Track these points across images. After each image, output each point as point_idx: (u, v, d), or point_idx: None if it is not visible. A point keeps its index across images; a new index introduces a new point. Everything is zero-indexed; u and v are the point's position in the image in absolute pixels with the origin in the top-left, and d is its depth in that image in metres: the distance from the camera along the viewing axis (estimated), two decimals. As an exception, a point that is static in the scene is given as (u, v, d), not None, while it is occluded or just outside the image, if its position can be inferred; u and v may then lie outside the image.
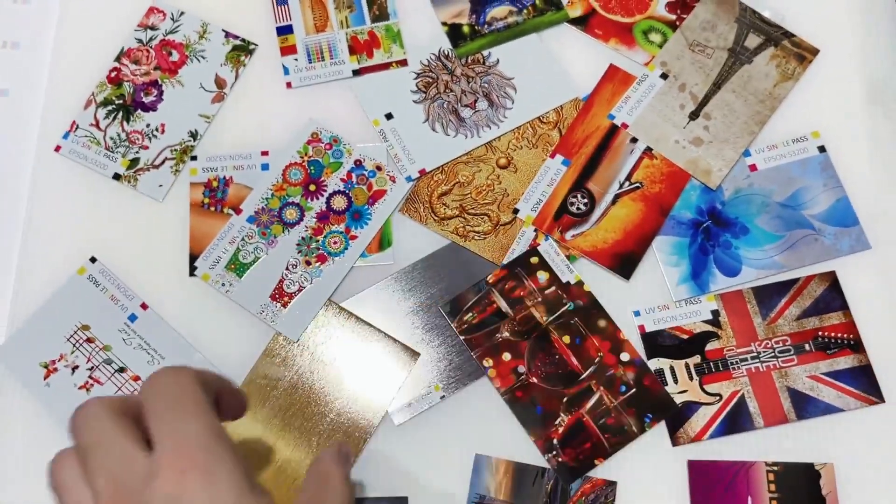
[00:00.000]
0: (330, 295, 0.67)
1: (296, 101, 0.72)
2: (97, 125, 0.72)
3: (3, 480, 0.64)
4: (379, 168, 0.69)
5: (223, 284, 0.67)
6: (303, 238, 0.68)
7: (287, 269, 0.67)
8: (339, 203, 0.68)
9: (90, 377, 0.66)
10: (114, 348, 0.66)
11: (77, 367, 0.66)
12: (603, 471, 0.63)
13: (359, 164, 0.69)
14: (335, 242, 0.67)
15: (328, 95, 0.72)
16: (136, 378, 0.66)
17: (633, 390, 0.64)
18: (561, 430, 0.63)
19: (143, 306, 0.67)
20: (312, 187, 0.69)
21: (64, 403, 0.65)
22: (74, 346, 0.66)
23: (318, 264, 0.67)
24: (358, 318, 0.65)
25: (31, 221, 0.70)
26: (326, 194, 0.69)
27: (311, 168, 0.69)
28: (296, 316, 0.66)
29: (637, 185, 0.69)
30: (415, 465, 0.64)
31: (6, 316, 0.67)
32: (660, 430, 0.64)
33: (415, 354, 0.64)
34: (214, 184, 0.70)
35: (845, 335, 0.65)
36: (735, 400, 0.64)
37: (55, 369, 0.66)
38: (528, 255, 0.67)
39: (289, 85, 0.72)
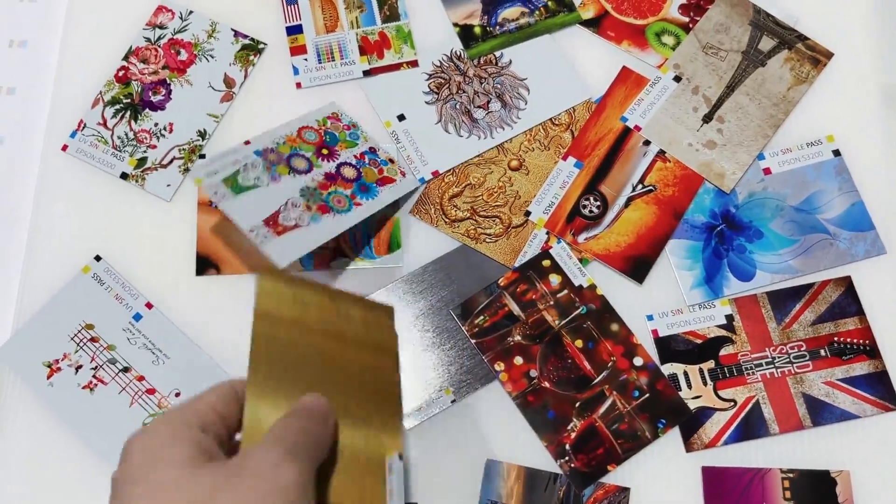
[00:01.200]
0: (324, 241, 0.63)
1: (306, 101, 0.71)
2: (105, 124, 0.71)
3: (5, 479, 0.62)
4: (391, 161, 0.68)
5: (216, 193, 0.62)
6: (307, 187, 0.65)
7: (286, 204, 0.63)
8: (349, 173, 0.67)
9: (94, 377, 0.65)
10: (118, 348, 0.65)
11: (81, 366, 0.65)
12: (616, 477, 0.62)
13: (373, 151, 0.68)
14: (339, 201, 0.65)
15: (338, 96, 0.71)
16: (141, 378, 0.64)
17: (647, 395, 0.63)
18: (573, 435, 0.62)
19: (149, 306, 0.66)
20: (325, 151, 0.67)
21: (67, 403, 0.64)
22: (78, 345, 0.65)
23: (318, 213, 0.64)
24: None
25: (38, 220, 0.69)
26: (338, 161, 0.67)
27: (327, 137, 0.68)
28: (287, 245, 0.62)
29: (650, 188, 0.68)
30: (425, 470, 0.62)
31: (11, 314, 0.66)
32: (673, 436, 0.63)
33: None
34: (223, 183, 0.69)
35: (861, 341, 0.64)
36: (750, 406, 0.63)
37: (58, 368, 0.65)
38: (540, 257, 0.66)
39: (298, 85, 0.72)
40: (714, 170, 0.68)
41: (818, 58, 0.72)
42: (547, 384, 0.63)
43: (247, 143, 0.65)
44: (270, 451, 0.38)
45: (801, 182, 0.68)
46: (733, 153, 0.69)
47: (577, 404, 0.63)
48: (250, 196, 0.63)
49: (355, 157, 0.67)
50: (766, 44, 0.72)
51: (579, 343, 0.64)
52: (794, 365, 0.64)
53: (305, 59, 0.72)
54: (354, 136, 0.68)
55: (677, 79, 0.71)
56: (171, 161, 0.70)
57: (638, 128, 0.70)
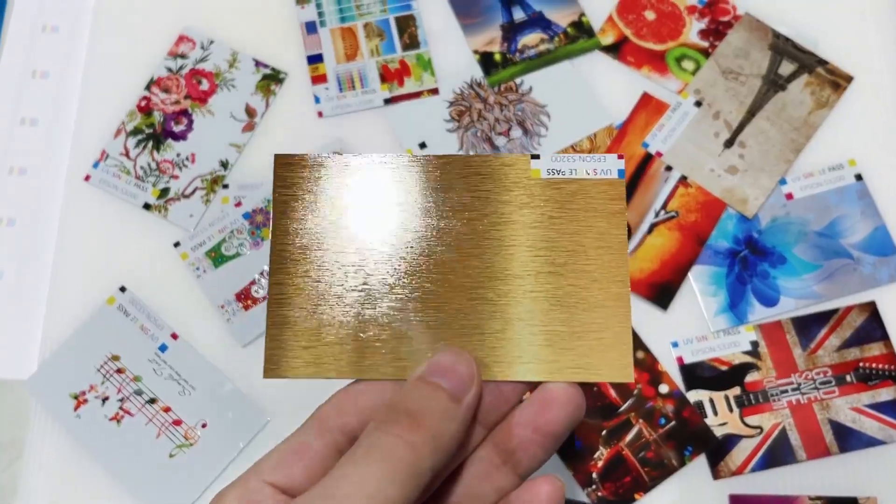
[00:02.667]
0: None
1: (327, 130, 0.72)
2: (127, 154, 0.71)
3: (33, 515, 0.63)
4: None
5: (197, 268, 0.67)
6: None
7: (261, 273, 0.67)
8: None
9: (121, 408, 0.65)
10: (144, 379, 0.65)
11: (108, 397, 0.65)
12: (643, 505, 0.62)
13: None
14: None
15: (360, 124, 0.72)
16: (168, 409, 0.65)
17: (673, 423, 0.63)
18: (600, 463, 0.62)
19: (174, 336, 0.66)
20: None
21: (94, 435, 0.64)
22: (105, 376, 0.65)
23: None
24: None
25: (61, 251, 0.69)
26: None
27: None
28: (250, 322, 0.66)
29: (673, 213, 0.68)
30: None
31: (37, 346, 0.67)
32: (700, 464, 0.63)
33: None
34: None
35: (887, 366, 0.64)
36: (776, 432, 0.63)
37: (85, 400, 0.65)
38: (563, 284, 0.66)
39: (320, 114, 0.72)
40: (736, 195, 0.68)
41: (838, 81, 0.72)
42: (573, 413, 0.63)
43: (238, 204, 0.68)
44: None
45: (823, 207, 0.69)
46: (755, 178, 0.69)
47: (604, 432, 0.63)
48: (230, 267, 0.67)
49: None
50: (786, 68, 0.72)
51: (605, 371, 0.64)
52: (821, 391, 0.64)
53: (326, 88, 0.72)
54: None
55: (698, 104, 0.71)
56: (193, 191, 0.70)
57: (659, 154, 0.70)
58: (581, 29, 0.74)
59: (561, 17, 0.74)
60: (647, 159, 0.70)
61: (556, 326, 0.37)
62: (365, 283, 0.37)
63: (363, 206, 0.38)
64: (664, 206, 0.69)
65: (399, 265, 0.37)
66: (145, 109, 0.72)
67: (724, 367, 0.65)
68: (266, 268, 0.67)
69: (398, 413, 0.31)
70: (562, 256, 0.38)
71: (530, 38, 0.74)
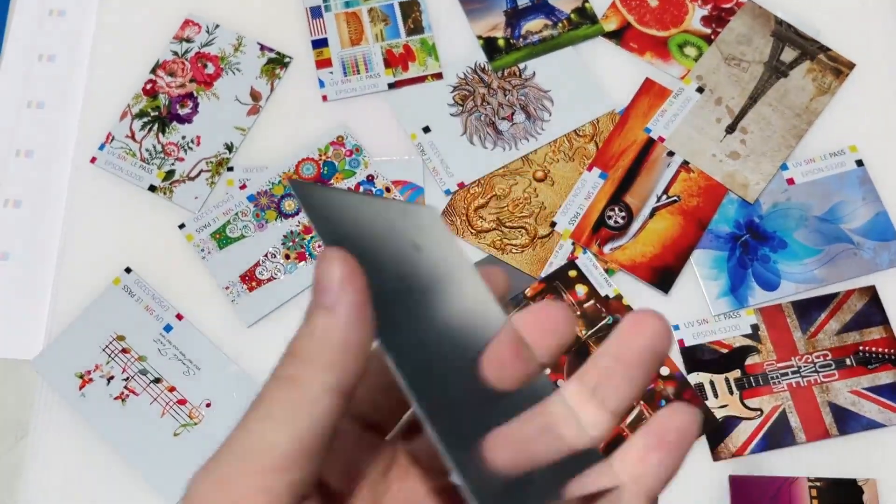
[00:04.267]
0: (295, 295, 0.67)
1: (332, 114, 0.72)
2: (133, 137, 0.72)
3: (39, 491, 0.63)
4: (388, 189, 0.69)
5: (202, 250, 0.68)
6: (291, 232, 0.68)
7: (266, 255, 0.68)
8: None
9: (126, 387, 0.65)
10: (149, 359, 0.66)
11: (112, 377, 0.65)
12: (643, 486, 0.62)
13: (370, 179, 0.69)
14: (320, 246, 0.67)
15: (364, 108, 0.72)
16: (172, 388, 0.65)
17: (674, 404, 0.63)
18: (601, 444, 0.63)
19: (179, 317, 0.67)
20: (319, 185, 0.69)
21: (100, 414, 0.64)
22: (110, 356, 0.66)
23: (295, 261, 0.67)
24: None
25: (68, 232, 0.69)
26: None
27: (325, 168, 0.69)
28: (255, 303, 0.67)
29: (674, 198, 0.69)
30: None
31: (44, 326, 0.67)
32: (701, 445, 0.63)
33: None
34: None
35: (886, 350, 0.65)
36: (776, 415, 0.64)
37: (91, 380, 0.65)
38: (566, 268, 0.67)
39: (325, 98, 0.72)
40: (738, 180, 0.69)
41: (840, 68, 0.72)
42: (574, 394, 0.64)
43: (243, 186, 0.67)
44: None
45: (824, 192, 0.69)
46: (757, 164, 0.69)
47: (605, 414, 0.63)
48: (234, 249, 0.67)
49: (349, 189, 0.67)
50: (788, 55, 0.72)
51: (606, 353, 0.65)
52: (820, 374, 0.64)
53: (331, 73, 0.73)
54: (355, 163, 0.69)
55: (700, 90, 0.71)
56: (198, 174, 0.71)
57: (662, 139, 0.70)
58: (584, 15, 0.74)
59: (564, 3, 0.75)
60: (650, 144, 0.70)
61: None
62: None
63: None
64: (666, 191, 0.69)
65: None
66: (151, 92, 0.73)
67: (724, 350, 0.65)
68: (272, 248, 0.68)
69: (283, 358, 0.27)
70: None
71: (534, 24, 0.74)
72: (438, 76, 0.73)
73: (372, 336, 0.26)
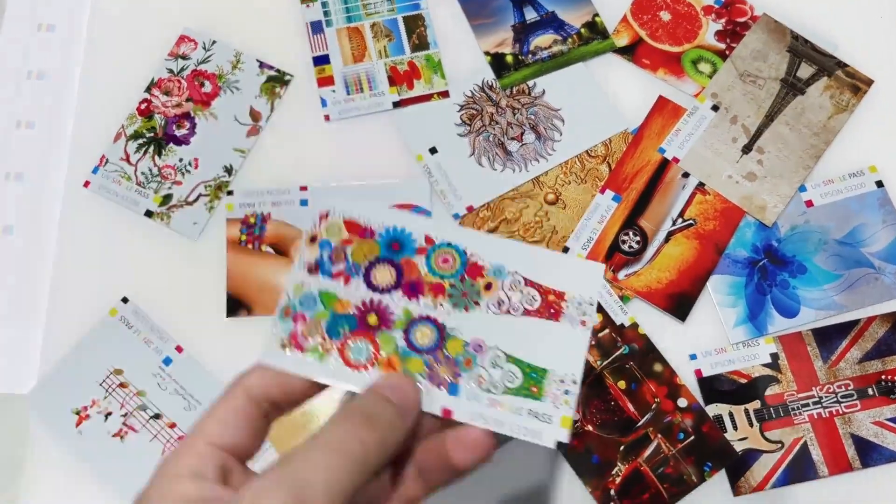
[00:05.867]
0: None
1: (335, 134, 0.70)
2: (128, 159, 0.69)
3: (35, 535, 0.61)
4: None
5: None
6: None
7: None
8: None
9: (124, 424, 0.63)
10: (148, 393, 0.63)
11: (110, 413, 0.63)
12: (662, 523, 0.61)
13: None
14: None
15: (368, 128, 0.70)
16: (173, 425, 0.63)
17: (692, 437, 0.62)
18: (618, 480, 0.61)
19: (179, 349, 0.65)
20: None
21: (97, 452, 0.62)
22: (107, 391, 0.63)
23: None
24: None
25: (61, 260, 0.67)
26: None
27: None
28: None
29: (690, 222, 0.67)
30: (466, 518, 0.61)
31: (37, 359, 0.64)
32: (720, 480, 0.62)
33: None
34: (252, 220, 0.67)
35: (909, 379, 0.63)
36: (797, 447, 0.62)
37: (87, 416, 0.63)
38: (579, 295, 0.65)
39: (327, 118, 0.70)
40: (755, 202, 0.67)
41: (858, 85, 0.70)
42: (590, 427, 0.62)
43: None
44: (270, 496, 0.31)
45: (843, 214, 0.67)
46: (774, 185, 0.67)
47: (622, 448, 0.62)
48: None
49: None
50: (805, 71, 0.70)
51: (622, 384, 0.63)
52: (842, 405, 0.63)
53: (333, 91, 0.70)
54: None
55: (715, 108, 0.69)
56: (196, 198, 0.68)
57: (676, 160, 0.68)
58: (595, 30, 0.72)
59: (574, 18, 0.72)
60: (664, 165, 0.68)
61: None
62: None
63: None
64: (681, 214, 0.67)
65: None
66: (146, 112, 0.70)
67: (743, 381, 0.63)
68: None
69: (356, 414, 0.35)
70: None
71: (543, 40, 0.72)
72: (445, 94, 0.70)
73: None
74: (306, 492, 0.31)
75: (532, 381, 0.41)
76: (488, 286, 0.42)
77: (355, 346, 0.40)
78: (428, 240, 0.43)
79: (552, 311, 0.43)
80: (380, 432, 0.35)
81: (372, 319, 0.41)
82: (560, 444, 0.40)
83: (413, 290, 0.42)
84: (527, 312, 0.42)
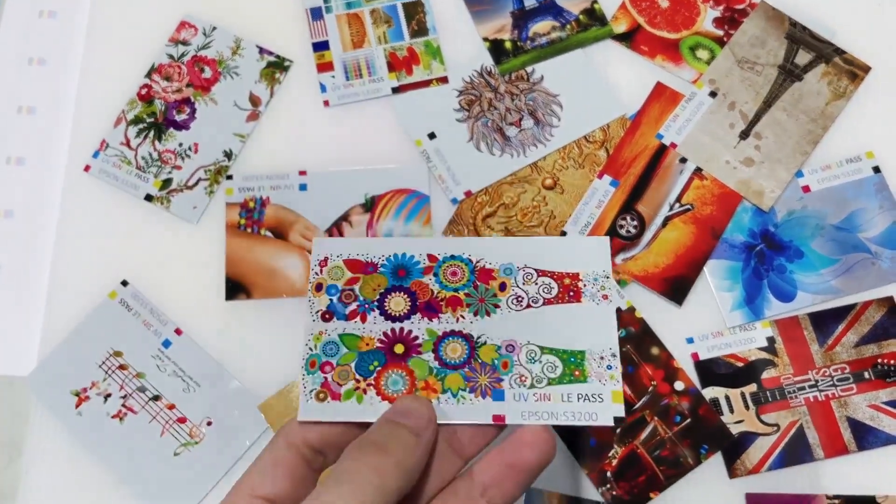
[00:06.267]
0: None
1: (334, 119, 0.70)
2: (128, 144, 0.69)
3: (34, 515, 0.61)
4: None
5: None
6: None
7: None
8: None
9: (123, 405, 0.63)
10: (147, 375, 0.64)
11: (110, 394, 0.63)
12: (658, 504, 0.61)
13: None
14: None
15: (367, 114, 0.70)
16: (171, 406, 0.63)
17: (688, 420, 0.62)
18: (615, 462, 0.61)
19: (178, 331, 0.65)
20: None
21: (96, 433, 0.62)
22: (107, 373, 0.64)
23: None
24: None
25: (61, 244, 0.67)
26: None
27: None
28: None
29: (688, 206, 0.67)
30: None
31: (36, 342, 0.65)
32: (716, 462, 0.62)
33: None
34: (251, 204, 0.67)
35: (905, 363, 0.63)
36: (793, 430, 0.62)
37: (87, 397, 0.63)
38: (577, 279, 0.65)
39: (326, 103, 0.70)
40: (752, 188, 0.67)
41: (856, 72, 0.70)
42: (587, 410, 0.62)
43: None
44: None
45: (840, 200, 0.67)
46: (771, 170, 0.67)
47: (618, 430, 0.62)
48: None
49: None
50: (803, 58, 0.70)
51: (619, 367, 0.63)
52: (838, 388, 0.63)
53: (333, 77, 0.71)
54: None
55: (713, 94, 0.69)
56: (196, 182, 0.68)
57: (674, 145, 0.68)
58: (593, 16, 0.72)
59: (573, 4, 0.72)
60: (662, 151, 0.68)
61: None
62: None
63: None
64: (679, 199, 0.67)
65: None
66: (146, 98, 0.70)
67: (740, 364, 0.64)
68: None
69: (367, 444, 0.36)
70: None
71: (541, 26, 0.72)
72: (444, 80, 0.71)
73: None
74: None
75: (573, 365, 0.41)
76: (503, 286, 0.43)
77: (390, 379, 0.40)
78: (431, 258, 0.43)
79: (571, 293, 0.43)
80: (394, 456, 0.35)
81: (399, 349, 0.41)
82: (616, 419, 0.40)
83: (430, 309, 0.42)
84: (547, 301, 0.43)
